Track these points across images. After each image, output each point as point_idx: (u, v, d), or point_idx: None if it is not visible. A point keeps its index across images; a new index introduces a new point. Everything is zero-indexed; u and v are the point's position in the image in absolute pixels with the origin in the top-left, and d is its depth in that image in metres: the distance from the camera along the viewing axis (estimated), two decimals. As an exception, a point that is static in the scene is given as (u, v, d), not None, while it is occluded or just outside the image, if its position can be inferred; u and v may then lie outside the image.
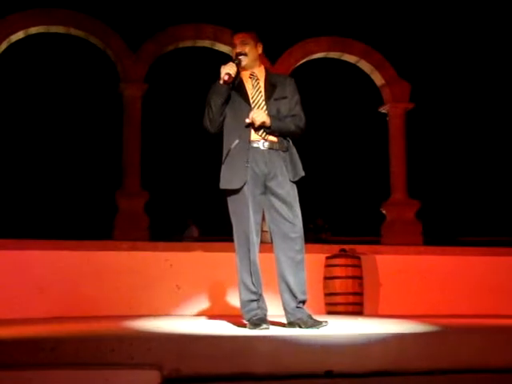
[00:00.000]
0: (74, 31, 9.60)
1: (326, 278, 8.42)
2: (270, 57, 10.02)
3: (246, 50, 4.45)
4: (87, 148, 13.25)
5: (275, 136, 4.37)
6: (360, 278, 8.40)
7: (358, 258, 8.49)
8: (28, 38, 9.66)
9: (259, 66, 4.59)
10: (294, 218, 4.35)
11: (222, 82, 4.32)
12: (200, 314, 7.89)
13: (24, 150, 13.89)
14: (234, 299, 8.10)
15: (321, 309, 8.32)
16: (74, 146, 13.56)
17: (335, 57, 10.45)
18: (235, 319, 5.93)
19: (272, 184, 4.36)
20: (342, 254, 8.51)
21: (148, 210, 9.19)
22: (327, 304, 8.34)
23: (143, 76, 9.58)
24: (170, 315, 7.71)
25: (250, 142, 4.34)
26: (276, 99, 4.45)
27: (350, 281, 8.30)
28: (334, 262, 8.41)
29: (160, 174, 11.94)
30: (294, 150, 4.47)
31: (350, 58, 10.39)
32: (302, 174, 4.45)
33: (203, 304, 8.21)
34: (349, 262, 8.40)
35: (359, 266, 8.45)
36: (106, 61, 9.94)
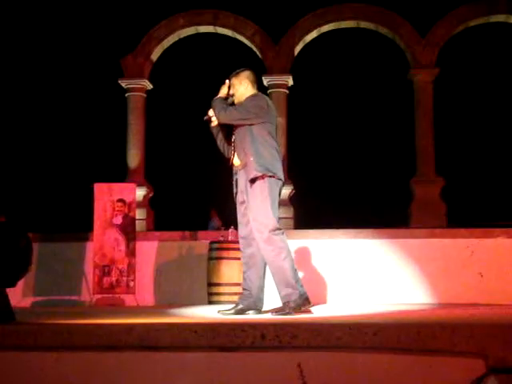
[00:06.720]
0: (363, 24, 9.84)
1: None
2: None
3: (231, 91, 5.06)
4: (380, 137, 13.36)
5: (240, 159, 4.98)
6: None
7: None
8: (320, 36, 10.13)
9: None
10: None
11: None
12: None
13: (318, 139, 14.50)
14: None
15: None
16: (366, 138, 13.74)
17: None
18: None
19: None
20: None
21: (445, 196, 9.03)
22: None
23: (434, 61, 9.44)
24: (472, 303, 7.48)
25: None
26: None
27: None
28: None
29: (456, 160, 11.56)
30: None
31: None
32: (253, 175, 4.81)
33: (508, 292, 7.83)
34: None
35: None
36: (394, 49, 9.97)
